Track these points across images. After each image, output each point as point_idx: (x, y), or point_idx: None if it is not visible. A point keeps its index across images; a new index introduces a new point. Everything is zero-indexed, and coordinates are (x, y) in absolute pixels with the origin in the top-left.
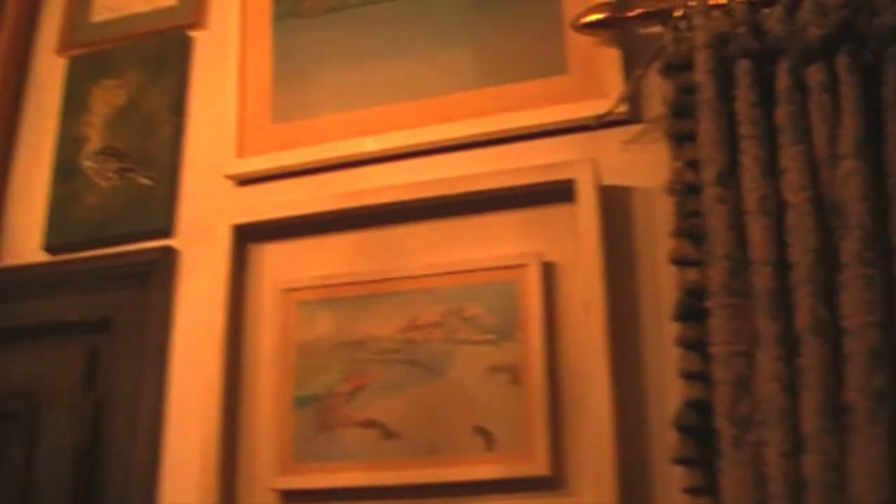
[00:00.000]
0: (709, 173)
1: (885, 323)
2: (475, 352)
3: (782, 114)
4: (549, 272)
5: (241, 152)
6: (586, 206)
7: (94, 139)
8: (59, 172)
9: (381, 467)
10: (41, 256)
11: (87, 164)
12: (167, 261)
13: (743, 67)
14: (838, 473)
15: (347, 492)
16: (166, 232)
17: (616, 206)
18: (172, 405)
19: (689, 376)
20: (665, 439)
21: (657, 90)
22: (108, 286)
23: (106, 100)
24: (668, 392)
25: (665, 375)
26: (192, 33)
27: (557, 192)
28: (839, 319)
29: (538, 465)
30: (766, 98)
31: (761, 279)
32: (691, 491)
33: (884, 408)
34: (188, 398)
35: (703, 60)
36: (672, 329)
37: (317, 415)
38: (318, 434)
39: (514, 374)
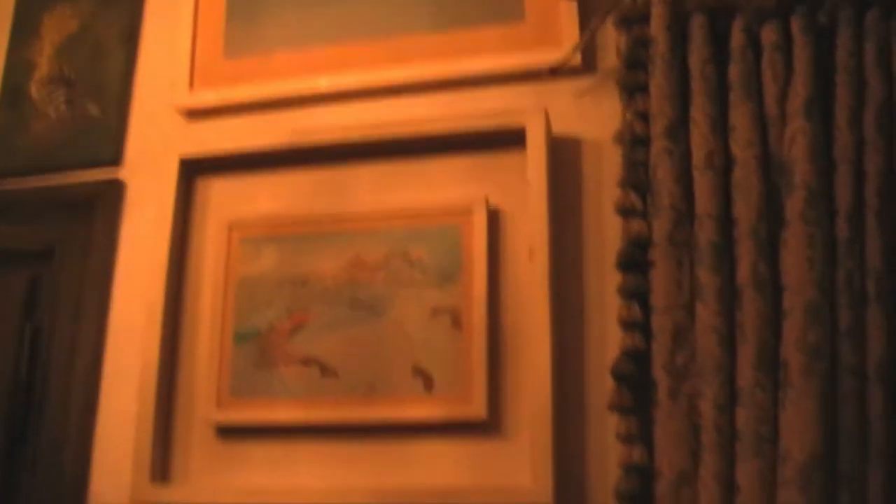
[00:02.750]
0: (658, 126)
1: (823, 281)
2: (418, 294)
3: (734, 71)
4: (495, 218)
5: (193, 85)
6: (535, 155)
7: (44, 67)
8: (6, 99)
9: (319, 405)
10: None
11: (35, 91)
12: (113, 192)
13: (698, 23)
14: (771, 426)
15: (284, 428)
16: (113, 162)
17: (565, 155)
18: (112, 337)
19: (628, 326)
20: (603, 387)
21: (612, 42)
22: (51, 215)
23: (57, 27)
24: (607, 340)
25: (606, 324)
26: None
27: (508, 140)
28: (779, 275)
29: (475, 409)
30: (719, 55)
31: (704, 233)
32: (625, 439)
33: (818, 363)
34: (129, 330)
35: (658, 14)
36: (615, 279)
37: (257, 350)
38: (257, 370)
39: (456, 318)
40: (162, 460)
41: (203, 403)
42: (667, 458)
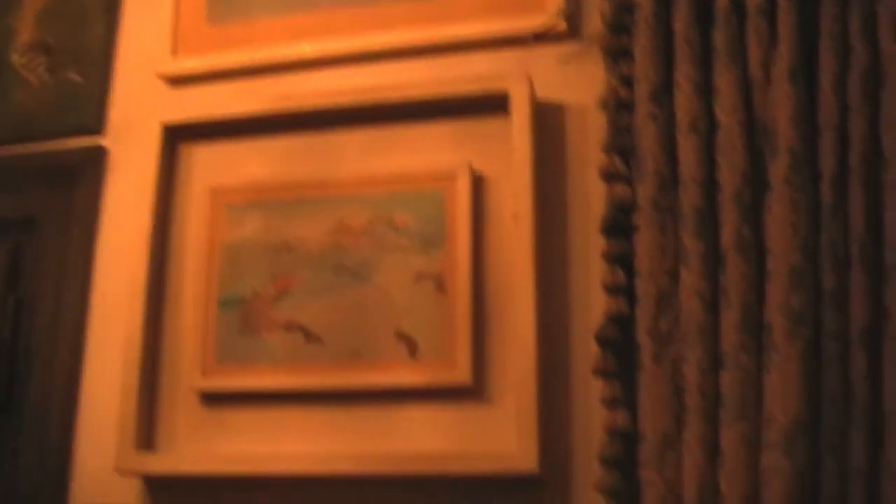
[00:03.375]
0: (642, 91)
1: (807, 245)
2: (402, 259)
3: (719, 36)
4: (479, 183)
5: (175, 52)
6: (519, 120)
7: (25, 33)
8: None
9: (304, 371)
10: None
11: (16, 58)
12: (95, 159)
13: None
14: (754, 390)
15: (269, 394)
16: (96, 130)
17: (549, 120)
18: (96, 305)
19: (612, 290)
20: (587, 352)
21: (596, 7)
22: (33, 184)
23: None
24: (592, 305)
25: (590, 289)
26: None
27: (492, 105)
28: (763, 240)
29: (460, 374)
30: (703, 19)
31: (688, 197)
32: (609, 403)
33: (801, 327)
34: (112, 299)
35: None
36: (599, 244)
37: (241, 317)
38: (241, 336)
39: (440, 283)
40: (147, 428)
41: (188, 370)
42: (651, 422)
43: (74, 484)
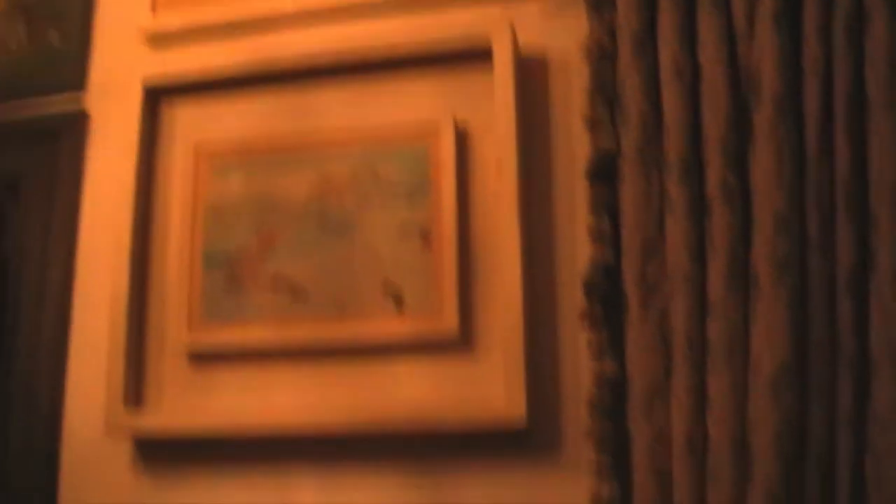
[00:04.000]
0: (625, 39)
1: (792, 193)
2: (386, 212)
3: None
4: (463, 135)
5: (155, 9)
6: (502, 71)
7: None
8: None
9: (290, 326)
10: None
11: None
12: (77, 119)
13: None
14: (741, 337)
15: (256, 350)
16: (77, 89)
17: (533, 71)
18: (82, 266)
19: (598, 239)
20: (574, 302)
21: None
22: (15, 146)
23: None
24: (578, 255)
25: (576, 239)
26: None
27: (475, 57)
28: (748, 188)
29: (447, 326)
30: None
31: (673, 146)
32: (597, 352)
33: (787, 274)
34: (98, 259)
35: None
36: (584, 193)
37: (226, 274)
38: (227, 293)
39: (425, 235)
40: (135, 385)
41: (174, 328)
42: (639, 370)
43: (64, 445)
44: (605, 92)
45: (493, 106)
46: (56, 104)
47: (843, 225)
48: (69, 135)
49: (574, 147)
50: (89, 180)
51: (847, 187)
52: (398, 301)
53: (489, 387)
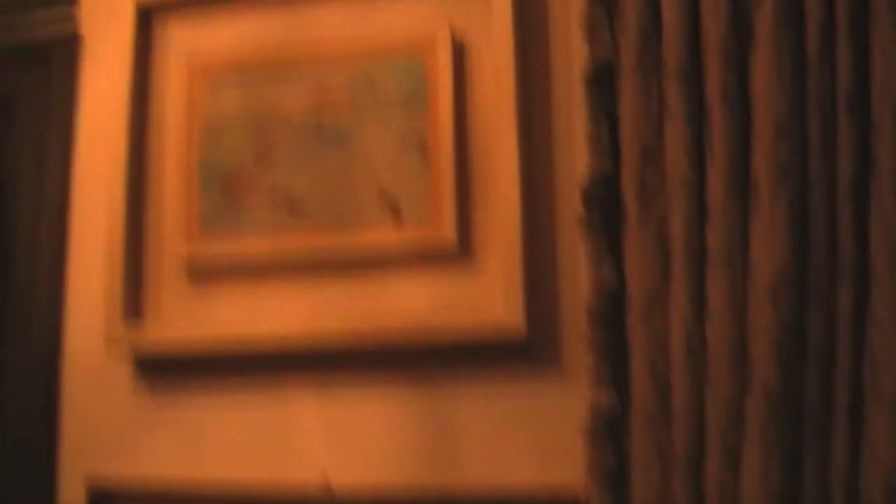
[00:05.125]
0: None
1: (793, 97)
2: (384, 124)
3: None
4: (460, 44)
5: None
6: None
7: None
8: None
9: (288, 239)
10: None
11: None
12: (70, 41)
13: None
14: (740, 243)
15: (254, 263)
16: (68, 4)
17: None
18: (78, 182)
19: (597, 143)
20: (572, 210)
21: None
22: (7, 69)
23: None
24: (576, 163)
25: (574, 147)
26: None
27: None
28: (749, 93)
29: (445, 237)
30: None
31: (672, 50)
32: (595, 260)
33: (787, 180)
34: (94, 179)
35: None
36: (583, 101)
37: (223, 187)
38: (225, 207)
39: (423, 147)
40: (134, 301)
41: (172, 243)
42: (637, 278)
43: (64, 362)
44: None
45: (490, 14)
46: (49, 26)
47: (845, 130)
48: (62, 56)
49: (572, 55)
50: (84, 100)
51: (849, 91)
52: (396, 212)
53: (487, 297)
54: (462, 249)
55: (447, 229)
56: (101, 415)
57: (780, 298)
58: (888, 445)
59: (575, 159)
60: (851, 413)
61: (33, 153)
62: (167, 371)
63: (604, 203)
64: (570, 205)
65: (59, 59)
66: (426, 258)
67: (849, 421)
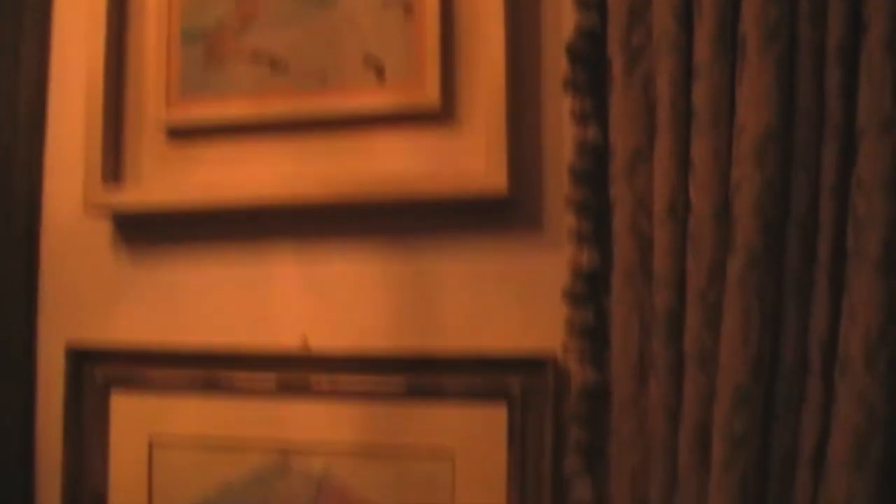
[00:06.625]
0: None
1: None
2: None
3: None
4: None
5: None
6: None
7: None
8: None
9: (270, 99)
10: None
11: None
12: None
13: None
14: (727, 102)
15: (236, 125)
16: None
17: None
18: (56, 47)
19: (583, 3)
20: (558, 69)
21: None
22: None
23: None
24: (563, 20)
25: (561, 4)
26: None
27: None
28: None
29: (428, 97)
30: None
31: None
32: (580, 118)
33: (776, 39)
34: (73, 39)
35: None
36: None
37: (205, 48)
38: (206, 68)
39: (408, 5)
40: (113, 163)
41: (152, 104)
42: (622, 136)
43: (43, 226)
44: None
45: None
46: None
47: None
48: None
49: None
50: None
51: None
52: (379, 72)
53: (470, 158)
54: (445, 109)
55: (431, 89)
56: (81, 279)
57: (765, 158)
58: (869, 305)
59: (562, 17)
60: (833, 274)
61: (11, 14)
62: (147, 233)
63: (589, 61)
64: (555, 64)
65: None
66: (409, 118)
67: (830, 282)
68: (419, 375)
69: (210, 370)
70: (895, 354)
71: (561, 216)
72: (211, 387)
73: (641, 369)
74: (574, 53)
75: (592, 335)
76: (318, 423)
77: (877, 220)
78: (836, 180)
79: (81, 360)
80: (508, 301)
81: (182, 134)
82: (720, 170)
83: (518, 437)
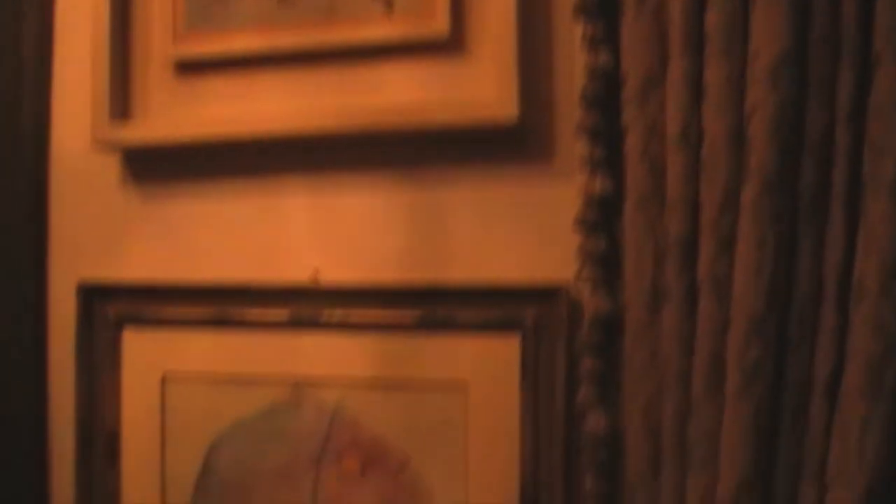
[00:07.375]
0: None
1: None
2: None
3: None
4: None
5: None
6: None
7: None
8: None
9: (278, 32)
10: None
11: None
12: None
13: None
14: (740, 27)
15: (243, 58)
16: None
17: None
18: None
19: None
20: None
21: None
22: None
23: None
24: None
25: None
26: None
27: None
28: None
29: (437, 27)
30: None
31: None
32: (591, 43)
33: None
34: None
35: None
36: None
37: None
38: (212, 1)
39: None
40: (121, 98)
41: (159, 38)
42: (634, 61)
43: (52, 163)
44: None
45: None
46: None
47: None
48: None
49: None
50: None
51: None
52: (388, 2)
53: (481, 87)
54: (454, 39)
55: (440, 19)
56: (91, 216)
57: (779, 82)
58: (885, 231)
59: None
60: (848, 199)
61: None
62: (156, 169)
63: None
64: None
65: None
66: (418, 48)
67: (845, 209)
68: (431, 307)
69: (221, 305)
70: None
71: (573, 145)
72: (223, 322)
73: (654, 297)
74: None
75: (605, 263)
76: (330, 357)
77: (893, 146)
78: (851, 106)
79: (92, 297)
80: (520, 231)
81: (189, 68)
82: (734, 95)
83: (531, 369)
